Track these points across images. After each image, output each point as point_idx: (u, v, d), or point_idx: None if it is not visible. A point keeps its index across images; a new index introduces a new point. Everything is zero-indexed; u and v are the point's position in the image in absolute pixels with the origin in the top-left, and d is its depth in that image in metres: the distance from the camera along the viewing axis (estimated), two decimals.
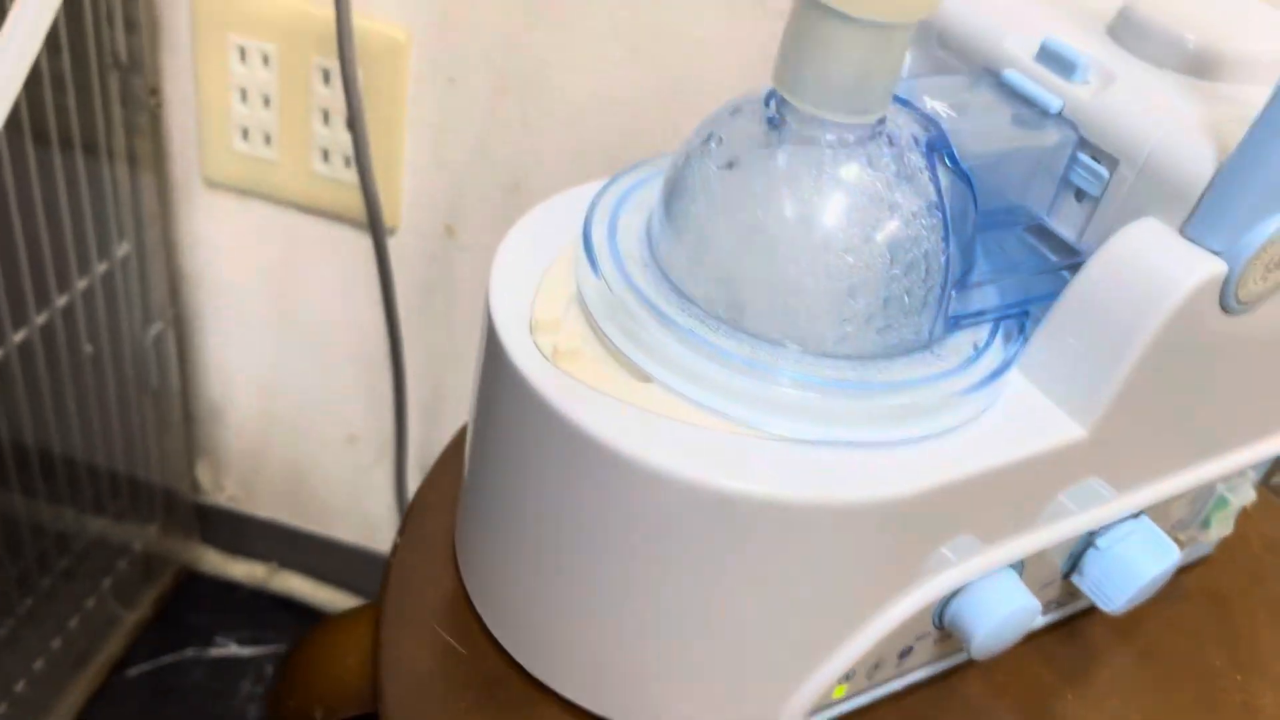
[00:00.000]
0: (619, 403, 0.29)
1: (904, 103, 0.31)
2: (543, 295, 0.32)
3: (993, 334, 0.32)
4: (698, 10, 0.58)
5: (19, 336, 0.62)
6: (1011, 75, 0.33)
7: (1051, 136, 0.32)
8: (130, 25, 0.63)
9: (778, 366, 0.29)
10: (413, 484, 0.84)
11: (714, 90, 0.59)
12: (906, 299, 0.30)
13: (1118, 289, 0.29)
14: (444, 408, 0.79)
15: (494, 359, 0.31)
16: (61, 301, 0.65)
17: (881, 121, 0.29)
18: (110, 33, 0.62)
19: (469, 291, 0.73)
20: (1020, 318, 0.32)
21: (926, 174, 0.29)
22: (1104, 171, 0.31)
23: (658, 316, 0.29)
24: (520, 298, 0.32)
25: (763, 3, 0.56)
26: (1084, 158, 0.32)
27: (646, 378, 0.30)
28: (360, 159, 0.62)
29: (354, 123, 0.60)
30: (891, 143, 0.29)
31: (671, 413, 0.29)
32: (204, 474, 0.90)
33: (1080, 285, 0.30)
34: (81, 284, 0.66)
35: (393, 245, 0.70)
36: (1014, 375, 0.32)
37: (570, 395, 0.28)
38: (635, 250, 0.32)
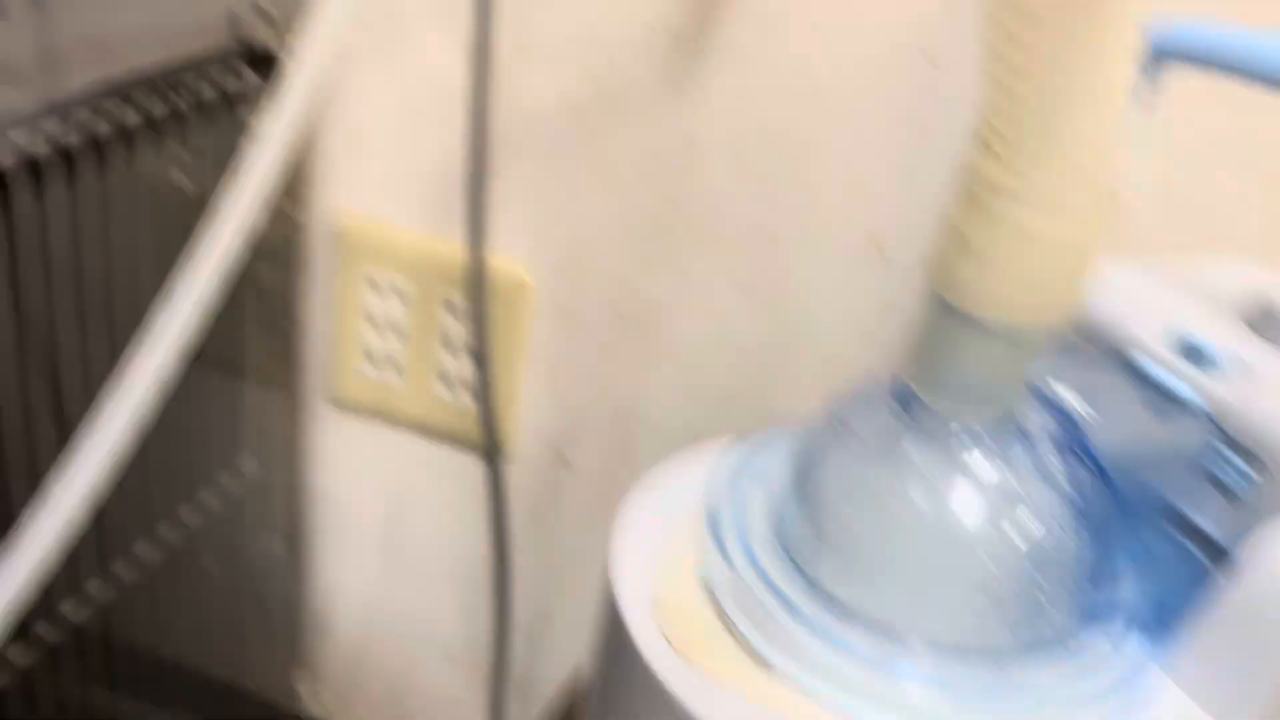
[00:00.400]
0: (741, 699, 0.28)
1: (1035, 392, 0.31)
2: (666, 571, 0.32)
3: (1132, 631, 0.30)
4: (815, 257, 0.59)
5: (145, 554, 0.64)
6: (1146, 365, 0.33)
7: (1191, 430, 0.31)
8: (278, 260, 0.67)
9: (907, 665, 0.28)
10: (512, 708, 0.82)
11: (829, 337, 0.60)
12: (1040, 595, 0.29)
13: (1275, 601, 0.28)
14: (546, 632, 0.78)
15: (616, 638, 0.30)
16: (188, 518, 0.67)
17: (1015, 417, 0.29)
18: (260, 266, 0.66)
19: (576, 516, 0.73)
20: (1160, 613, 0.31)
21: (1060, 469, 0.29)
22: (1251, 471, 0.30)
23: (786, 607, 0.29)
24: (643, 574, 0.31)
25: (881, 253, 0.58)
26: (1228, 454, 0.31)
27: (770, 665, 0.29)
28: (484, 389, 0.64)
29: (480, 355, 0.63)
30: (1025, 436, 0.29)
31: (794, 709, 0.28)
32: (303, 686, 0.90)
33: (1233, 593, 0.28)
34: (208, 500, 0.69)
35: (505, 469, 0.71)
36: (1157, 675, 0.30)
37: (693, 689, 0.28)
38: (758, 527, 0.32)
